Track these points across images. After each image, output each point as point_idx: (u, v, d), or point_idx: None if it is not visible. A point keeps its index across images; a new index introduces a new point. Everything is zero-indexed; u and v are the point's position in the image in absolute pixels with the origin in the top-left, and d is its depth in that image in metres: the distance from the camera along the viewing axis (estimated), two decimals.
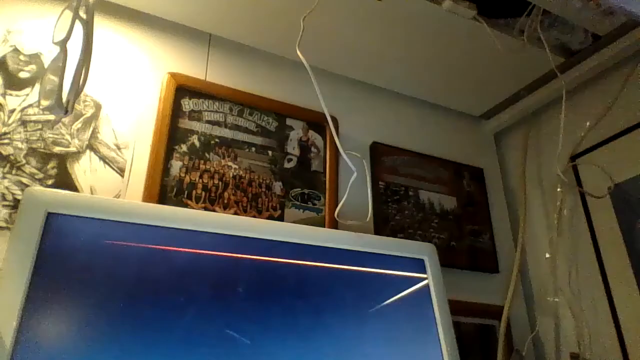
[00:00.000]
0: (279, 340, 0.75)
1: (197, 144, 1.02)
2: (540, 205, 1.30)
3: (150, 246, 0.73)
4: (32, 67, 0.93)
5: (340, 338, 0.80)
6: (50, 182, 0.86)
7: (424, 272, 0.94)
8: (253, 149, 1.08)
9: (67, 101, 0.69)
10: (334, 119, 1.18)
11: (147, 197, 0.91)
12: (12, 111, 0.88)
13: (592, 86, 1.21)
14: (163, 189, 0.94)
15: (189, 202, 0.96)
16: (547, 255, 1.22)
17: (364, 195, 1.09)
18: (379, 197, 1.16)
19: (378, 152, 1.23)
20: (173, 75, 1.04)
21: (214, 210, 0.97)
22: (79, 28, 0.71)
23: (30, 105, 0.90)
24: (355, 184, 1.01)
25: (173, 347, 0.68)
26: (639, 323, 1.01)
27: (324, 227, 1.07)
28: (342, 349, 0.79)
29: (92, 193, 0.89)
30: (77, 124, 0.93)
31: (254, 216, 1.01)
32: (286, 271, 0.81)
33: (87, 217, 0.71)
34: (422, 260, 0.95)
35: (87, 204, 0.73)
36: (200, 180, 0.98)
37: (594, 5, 0.81)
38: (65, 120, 0.91)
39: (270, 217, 1.03)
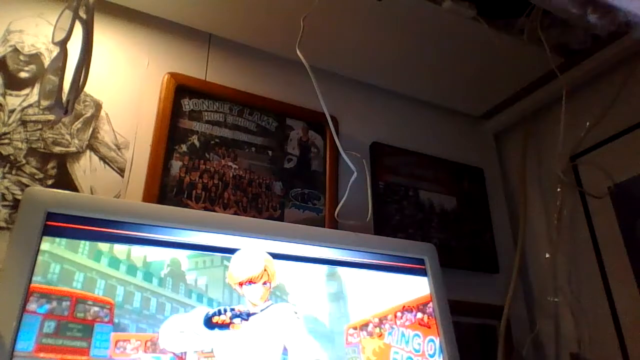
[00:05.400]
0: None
1: (197, 144, 1.02)
2: (540, 205, 1.30)
3: (150, 246, 0.73)
4: (32, 67, 0.93)
5: (339, 336, 0.80)
6: (50, 182, 0.86)
7: (424, 272, 0.94)
8: (253, 149, 1.08)
9: (67, 101, 0.69)
10: (334, 119, 1.18)
11: (147, 197, 0.91)
12: (12, 111, 0.88)
13: (592, 86, 1.21)
14: (163, 189, 0.94)
15: (189, 202, 0.96)
16: (547, 255, 1.22)
17: (364, 195, 1.09)
18: (379, 197, 1.16)
19: (378, 152, 1.23)
20: (173, 75, 1.04)
21: (214, 210, 0.97)
22: (79, 28, 0.72)
23: (30, 105, 0.90)
24: (355, 184, 1.01)
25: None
26: (639, 323, 1.01)
27: (324, 227, 1.07)
28: (342, 346, 0.79)
29: (92, 193, 0.89)
30: (77, 124, 0.93)
31: (254, 216, 1.01)
32: (286, 271, 0.81)
33: (87, 217, 0.71)
34: (422, 260, 0.95)
35: (87, 204, 0.73)
36: (200, 180, 0.98)
37: (595, 12, 0.82)
38: (65, 120, 0.91)
39: (270, 217, 1.03)
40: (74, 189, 0.88)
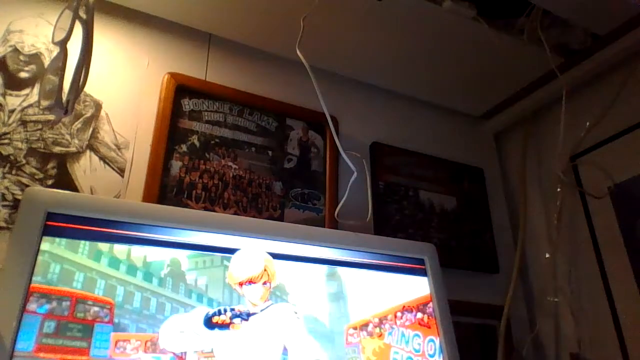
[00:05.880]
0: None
1: (197, 144, 1.02)
2: (540, 205, 1.30)
3: (150, 246, 0.73)
4: (32, 67, 0.93)
5: (339, 336, 0.80)
6: (50, 182, 0.86)
7: (424, 272, 0.94)
8: (253, 149, 1.08)
9: (67, 101, 0.69)
10: (334, 119, 1.18)
11: (147, 197, 0.91)
12: (12, 111, 0.88)
13: (592, 86, 1.21)
14: (163, 189, 0.94)
15: (189, 202, 0.96)
16: (547, 255, 1.22)
17: (364, 195, 1.09)
18: (379, 197, 1.16)
19: (378, 152, 1.23)
20: (173, 75, 1.04)
21: (214, 210, 0.97)
22: (79, 28, 0.72)
23: (30, 105, 0.90)
24: (355, 184, 1.01)
25: None
26: (639, 323, 1.01)
27: (324, 227, 1.07)
28: (342, 346, 0.79)
29: (92, 193, 0.89)
30: (77, 124, 0.93)
31: (254, 216, 1.01)
32: (286, 271, 0.81)
33: (87, 217, 0.71)
34: (422, 260, 0.95)
35: (87, 203, 0.73)
36: (200, 180, 0.98)
37: None
38: (65, 120, 0.91)
39: (270, 217, 1.03)
40: (74, 189, 0.88)
